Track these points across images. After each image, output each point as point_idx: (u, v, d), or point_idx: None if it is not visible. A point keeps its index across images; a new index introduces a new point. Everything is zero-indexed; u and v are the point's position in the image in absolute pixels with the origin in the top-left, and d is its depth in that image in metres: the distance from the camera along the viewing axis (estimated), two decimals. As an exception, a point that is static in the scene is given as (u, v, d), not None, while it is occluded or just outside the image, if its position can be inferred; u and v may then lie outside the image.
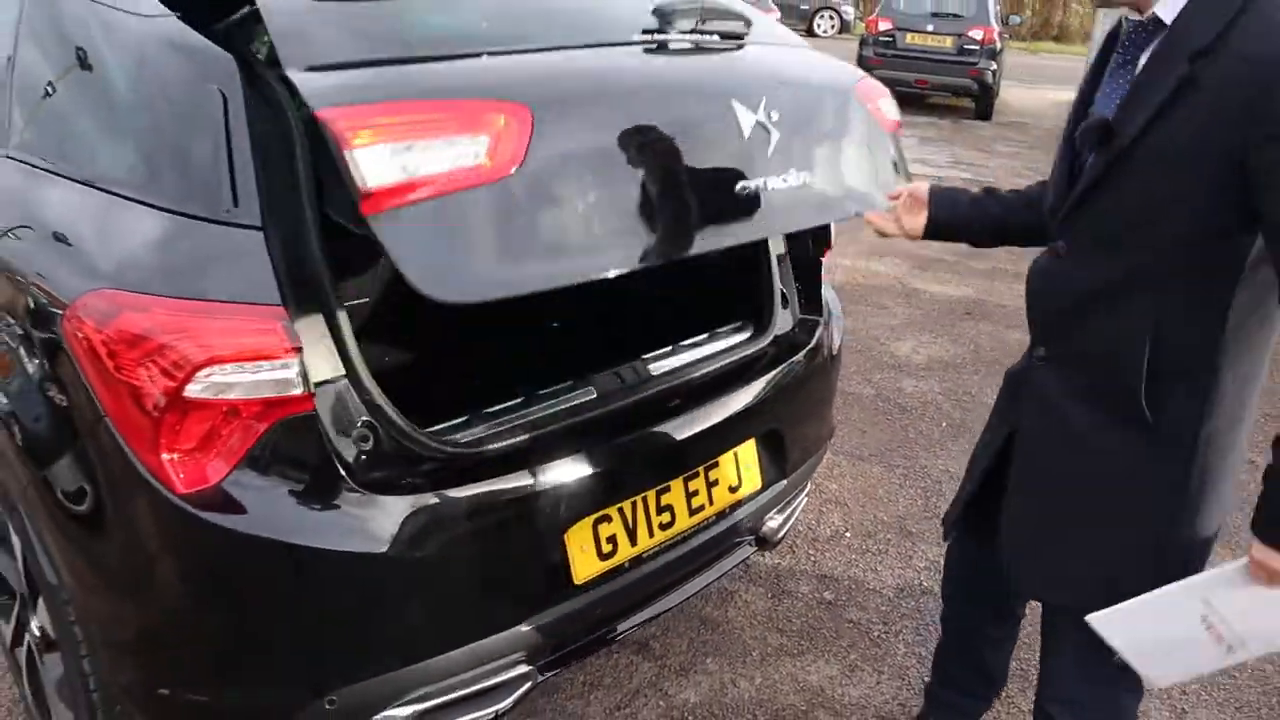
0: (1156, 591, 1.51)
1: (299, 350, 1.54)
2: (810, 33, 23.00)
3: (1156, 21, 1.47)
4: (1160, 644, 1.56)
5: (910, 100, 13.29)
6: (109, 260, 1.65)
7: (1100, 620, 1.56)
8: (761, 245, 2.37)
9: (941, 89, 12.31)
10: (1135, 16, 1.51)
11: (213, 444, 1.53)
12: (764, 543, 2.37)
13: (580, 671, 2.47)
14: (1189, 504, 1.57)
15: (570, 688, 2.42)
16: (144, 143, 1.75)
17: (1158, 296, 1.50)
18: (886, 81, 12.69)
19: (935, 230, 1.89)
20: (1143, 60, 1.50)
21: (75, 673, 1.79)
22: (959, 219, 1.88)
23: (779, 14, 13.23)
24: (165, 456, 1.52)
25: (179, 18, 1.78)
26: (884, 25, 12.25)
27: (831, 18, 23.56)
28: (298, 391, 1.55)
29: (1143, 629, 1.55)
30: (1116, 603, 1.55)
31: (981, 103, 12.44)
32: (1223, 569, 1.48)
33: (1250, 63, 1.35)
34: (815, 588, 2.87)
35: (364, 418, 1.63)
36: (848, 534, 3.17)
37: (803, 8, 23.23)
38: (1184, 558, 1.60)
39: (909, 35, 12.04)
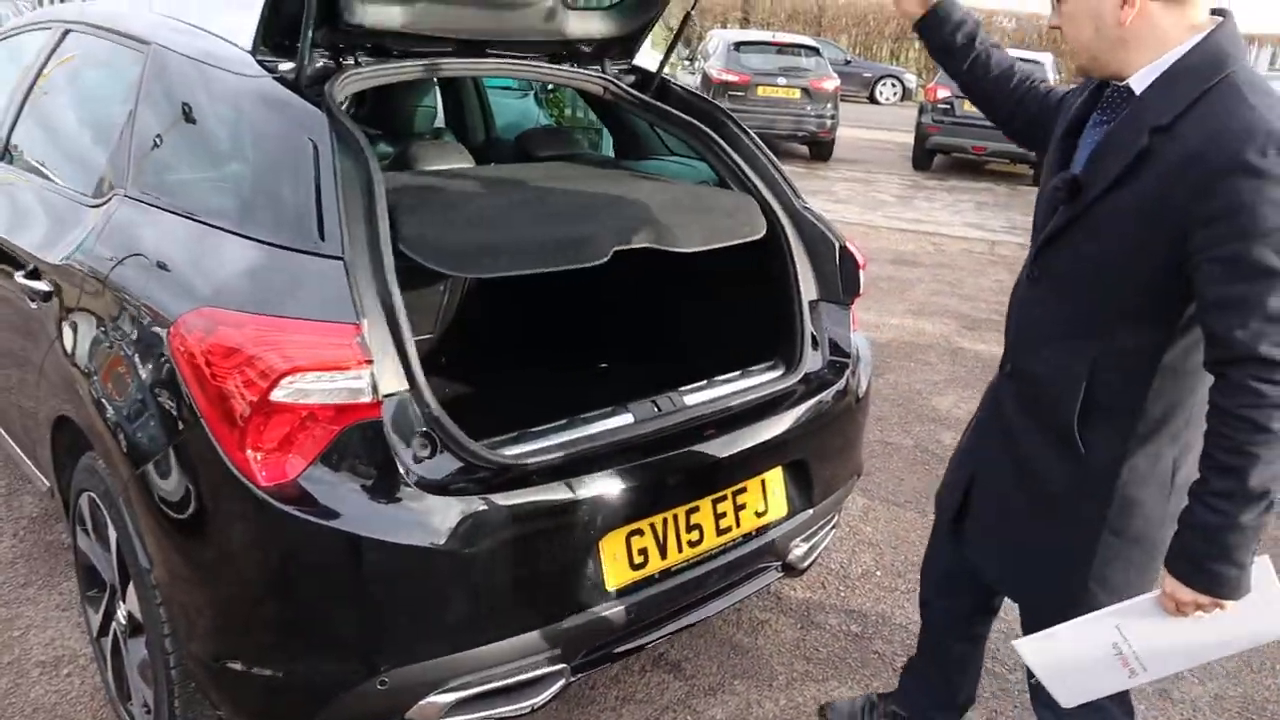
0: (1076, 620, 1.69)
1: (370, 363, 1.76)
2: (872, 100, 23.34)
3: (1130, 91, 1.59)
4: (1074, 668, 1.74)
5: (968, 166, 13.46)
6: (209, 284, 1.90)
7: (1025, 645, 1.76)
8: (795, 290, 2.55)
9: (998, 155, 12.42)
10: (1116, 81, 1.64)
11: (292, 443, 1.75)
12: (790, 569, 2.51)
13: (614, 686, 2.62)
14: (1112, 524, 1.72)
15: (604, 700, 2.57)
16: (242, 185, 2.02)
17: (1098, 340, 1.66)
18: (944, 148, 12.64)
19: (928, 23, 1.97)
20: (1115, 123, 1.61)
21: (158, 651, 2.00)
22: (954, 30, 1.95)
23: (840, 82, 13.52)
24: (250, 453, 1.74)
25: (274, 78, 2.07)
26: (942, 93, 12.46)
27: (894, 85, 23.89)
28: (367, 400, 1.77)
29: (1061, 653, 1.73)
30: (1071, 593, 1.75)
31: (1039, 169, 12.53)
32: (1136, 600, 1.67)
33: (1195, 154, 1.45)
34: (843, 620, 2.99)
35: (423, 427, 1.84)
36: (878, 573, 3.29)
37: (865, 75, 23.61)
38: (1121, 566, 1.75)
39: (967, 103, 12.19)
